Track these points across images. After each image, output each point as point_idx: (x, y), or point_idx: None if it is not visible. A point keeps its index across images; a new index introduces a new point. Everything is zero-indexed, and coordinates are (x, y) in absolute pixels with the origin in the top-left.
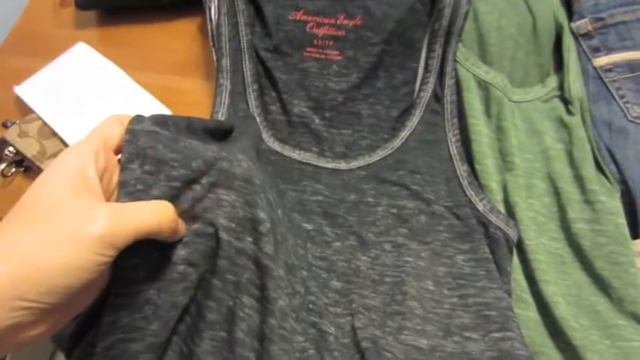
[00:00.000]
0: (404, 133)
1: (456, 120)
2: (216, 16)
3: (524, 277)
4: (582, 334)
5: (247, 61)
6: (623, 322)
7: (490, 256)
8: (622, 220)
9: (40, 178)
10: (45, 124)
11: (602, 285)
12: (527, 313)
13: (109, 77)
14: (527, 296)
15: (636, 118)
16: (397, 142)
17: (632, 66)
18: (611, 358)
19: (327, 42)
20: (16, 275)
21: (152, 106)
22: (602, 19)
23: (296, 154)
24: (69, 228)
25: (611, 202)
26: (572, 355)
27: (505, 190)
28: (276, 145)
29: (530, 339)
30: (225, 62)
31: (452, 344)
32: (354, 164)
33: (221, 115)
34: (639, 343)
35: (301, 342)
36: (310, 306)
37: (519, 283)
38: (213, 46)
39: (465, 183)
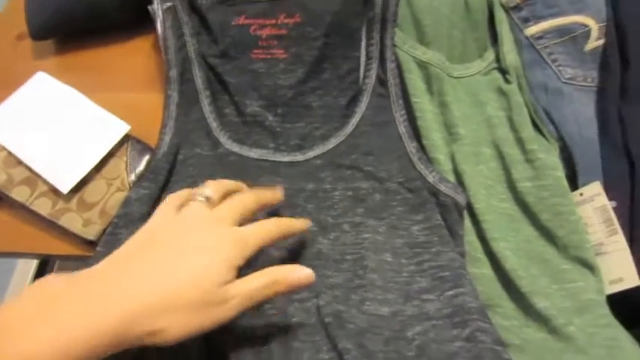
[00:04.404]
0: (354, 119)
1: (401, 101)
2: (162, 30)
3: (477, 239)
4: (530, 281)
5: (197, 70)
6: (569, 267)
7: (442, 223)
8: (560, 174)
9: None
10: (10, 153)
11: (548, 236)
12: (482, 271)
13: (69, 102)
14: (481, 255)
15: (569, 79)
16: (349, 129)
17: (560, 31)
18: (558, 299)
19: (271, 42)
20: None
21: (113, 125)
22: None
23: (253, 153)
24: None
25: (550, 158)
26: (522, 303)
27: (453, 160)
28: (234, 147)
29: (486, 294)
30: (173, 73)
31: (411, 308)
32: (309, 154)
33: (169, 129)
34: (582, 283)
35: (264, 344)
36: (267, 310)
37: (473, 244)
38: None
39: (414, 158)
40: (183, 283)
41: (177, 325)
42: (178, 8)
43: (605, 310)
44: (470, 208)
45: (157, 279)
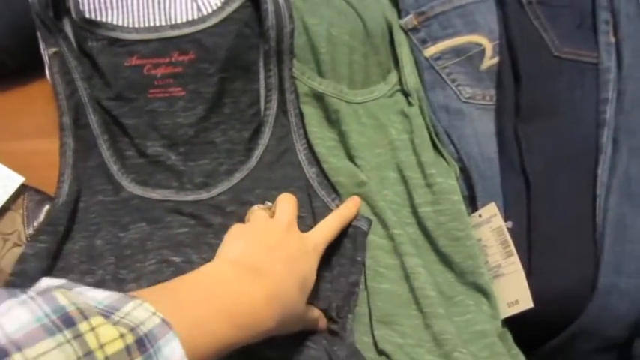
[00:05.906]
0: (257, 152)
1: (302, 131)
2: (50, 76)
3: (383, 253)
4: (433, 302)
5: (92, 114)
6: (463, 296)
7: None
8: (458, 197)
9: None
10: None
11: (446, 261)
12: (382, 286)
13: None
14: (384, 270)
15: (468, 98)
16: (253, 162)
17: (457, 51)
18: (453, 327)
19: (167, 80)
20: None
21: (5, 178)
22: (424, 12)
23: (156, 194)
24: None
25: (447, 182)
26: (421, 322)
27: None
28: (137, 190)
29: (384, 310)
30: (65, 120)
31: (296, 354)
32: (214, 192)
33: (67, 177)
34: (474, 314)
35: None
36: None
37: (376, 258)
38: None
39: (315, 184)
40: (305, 289)
41: (298, 325)
42: (65, 53)
43: (493, 338)
44: (384, 225)
45: (294, 285)
